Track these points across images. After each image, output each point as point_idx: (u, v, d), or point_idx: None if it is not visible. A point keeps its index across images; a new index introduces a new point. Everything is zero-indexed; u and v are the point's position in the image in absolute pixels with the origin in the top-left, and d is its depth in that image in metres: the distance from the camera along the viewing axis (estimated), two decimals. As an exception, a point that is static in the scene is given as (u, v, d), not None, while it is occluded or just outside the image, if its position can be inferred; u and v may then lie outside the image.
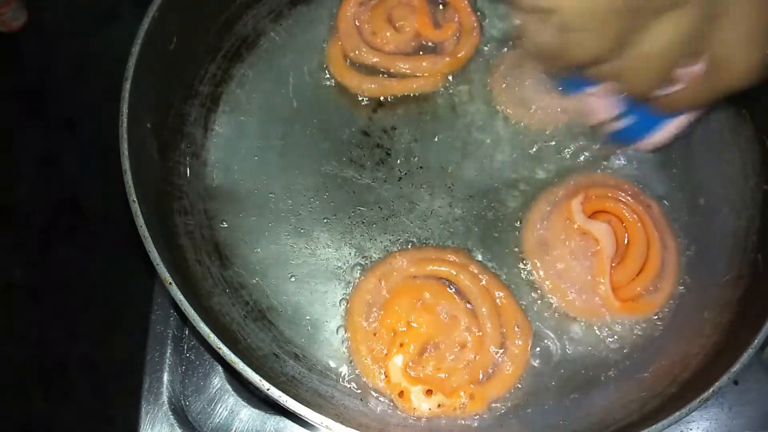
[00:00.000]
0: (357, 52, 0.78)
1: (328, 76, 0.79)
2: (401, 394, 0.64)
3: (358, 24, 0.79)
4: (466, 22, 0.80)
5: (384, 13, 0.79)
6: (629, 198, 0.72)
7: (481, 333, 0.66)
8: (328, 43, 0.79)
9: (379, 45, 0.78)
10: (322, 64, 0.79)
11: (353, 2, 0.79)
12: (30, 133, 0.87)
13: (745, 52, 0.39)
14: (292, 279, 0.70)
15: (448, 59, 0.78)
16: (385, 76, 0.78)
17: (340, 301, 0.69)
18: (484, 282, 0.69)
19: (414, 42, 0.79)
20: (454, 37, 0.79)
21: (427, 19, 0.79)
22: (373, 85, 0.77)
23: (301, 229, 0.72)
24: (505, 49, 0.79)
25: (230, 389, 0.72)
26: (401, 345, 0.65)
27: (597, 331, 0.70)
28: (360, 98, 0.78)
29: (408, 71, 0.78)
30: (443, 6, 0.81)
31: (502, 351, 0.66)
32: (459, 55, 0.78)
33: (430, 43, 0.80)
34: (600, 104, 0.64)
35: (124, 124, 0.62)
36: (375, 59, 0.78)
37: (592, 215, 0.71)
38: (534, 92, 0.77)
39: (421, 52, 0.79)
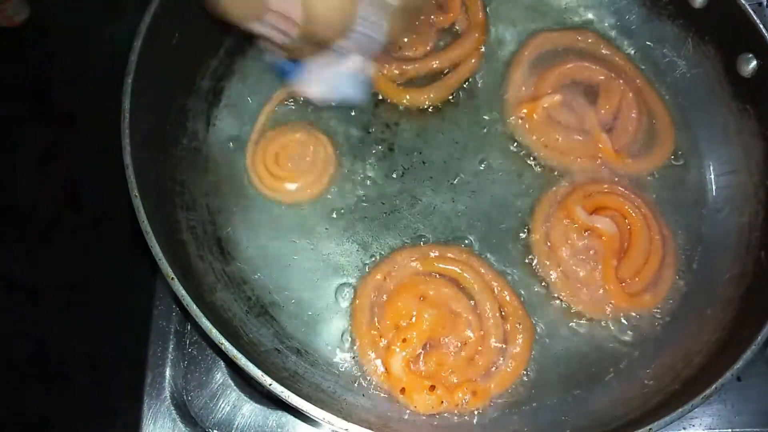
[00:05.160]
0: (398, 72, 0.77)
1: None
2: (403, 389, 0.64)
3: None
4: None
5: None
6: (628, 193, 0.72)
7: (483, 330, 0.66)
8: (371, 78, 0.77)
9: (412, 54, 0.78)
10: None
11: None
12: (31, 129, 0.87)
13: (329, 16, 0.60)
14: (294, 274, 0.70)
15: (476, 33, 0.78)
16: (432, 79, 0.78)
17: (343, 296, 0.69)
18: (487, 279, 0.69)
19: (433, 35, 0.79)
20: (463, 12, 0.80)
21: (435, 8, 0.79)
22: (436, 93, 0.77)
23: (304, 224, 0.72)
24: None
25: (232, 384, 0.72)
26: (404, 341, 0.65)
27: (600, 328, 0.70)
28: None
29: (457, 59, 0.78)
30: None
31: (504, 348, 0.66)
32: (479, 20, 0.79)
33: (445, 28, 0.80)
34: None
35: (126, 119, 0.62)
36: (423, 71, 0.78)
37: (594, 212, 0.72)
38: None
39: (441, 42, 0.79)
